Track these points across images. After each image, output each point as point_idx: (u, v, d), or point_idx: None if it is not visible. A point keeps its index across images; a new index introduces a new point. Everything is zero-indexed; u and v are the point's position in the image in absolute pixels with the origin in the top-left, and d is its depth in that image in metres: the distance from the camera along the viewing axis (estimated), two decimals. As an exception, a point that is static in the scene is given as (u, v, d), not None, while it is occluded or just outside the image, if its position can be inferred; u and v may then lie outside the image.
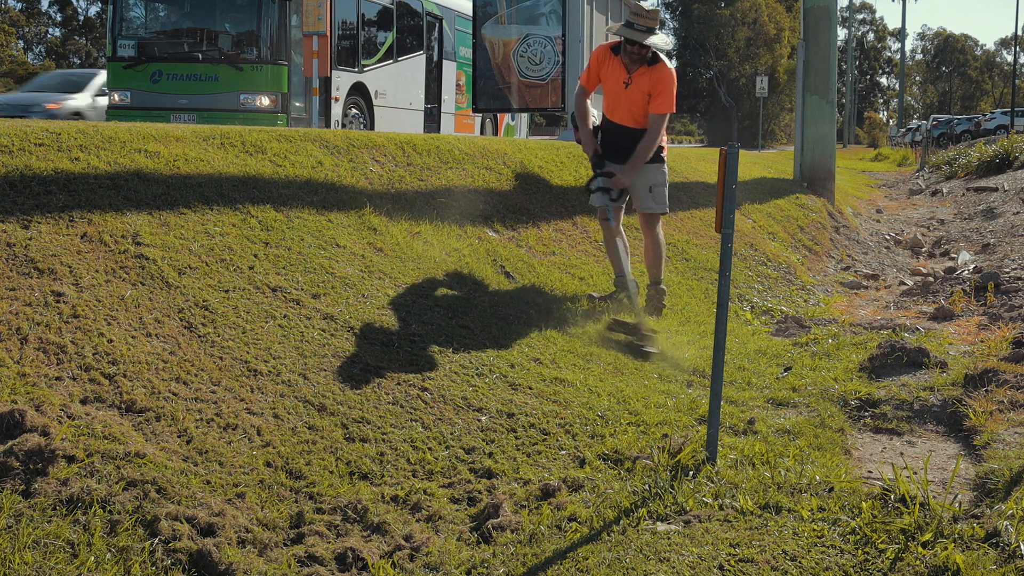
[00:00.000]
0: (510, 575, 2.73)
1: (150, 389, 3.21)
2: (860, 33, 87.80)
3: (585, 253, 6.55)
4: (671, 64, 5.73)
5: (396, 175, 6.09)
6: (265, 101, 11.92)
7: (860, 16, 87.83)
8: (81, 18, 58.55)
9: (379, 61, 13.96)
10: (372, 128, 13.55)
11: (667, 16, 66.29)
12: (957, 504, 3.04)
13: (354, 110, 13.18)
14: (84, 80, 14.84)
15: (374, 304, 4.40)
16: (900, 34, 69.10)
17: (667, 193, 5.85)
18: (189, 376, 3.36)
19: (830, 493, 3.19)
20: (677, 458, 3.41)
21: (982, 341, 5.52)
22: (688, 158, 12.87)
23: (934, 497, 3.10)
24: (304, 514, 2.90)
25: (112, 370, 3.22)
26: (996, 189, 15.32)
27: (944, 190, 18.28)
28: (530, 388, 4.07)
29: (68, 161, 4.31)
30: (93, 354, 3.25)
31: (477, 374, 4.07)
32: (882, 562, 2.72)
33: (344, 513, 2.95)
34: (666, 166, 5.83)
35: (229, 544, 2.64)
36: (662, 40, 5.58)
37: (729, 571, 2.71)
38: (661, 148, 5.76)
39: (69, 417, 2.91)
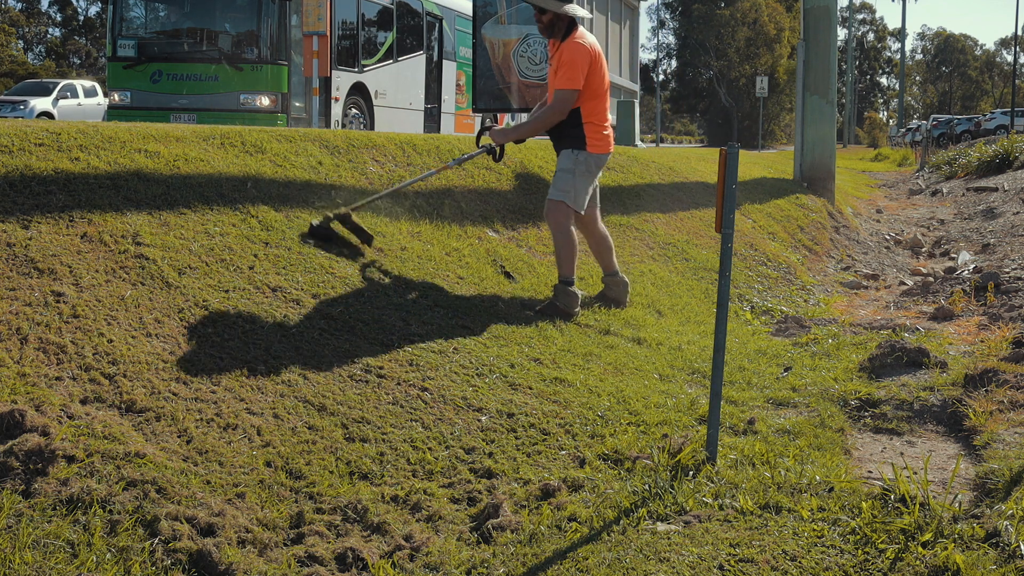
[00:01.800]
0: (510, 575, 2.73)
1: (150, 389, 3.21)
2: (860, 33, 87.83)
3: (585, 253, 6.55)
4: (589, 38, 5.15)
5: (396, 175, 6.09)
6: (265, 101, 11.93)
7: (860, 16, 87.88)
8: (81, 18, 58.55)
9: (379, 61, 13.97)
10: (372, 128, 13.55)
11: (667, 16, 66.33)
12: (957, 504, 3.04)
13: (354, 110, 13.18)
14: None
15: (374, 304, 4.40)
16: (900, 34, 69.11)
17: (577, 186, 5.18)
18: (189, 376, 3.36)
19: (830, 493, 3.19)
20: (677, 458, 3.41)
21: (982, 341, 5.52)
22: (688, 158, 12.88)
23: (934, 497, 3.10)
24: (304, 514, 2.90)
25: (112, 370, 3.22)
26: (996, 189, 15.33)
27: (944, 190, 18.28)
28: (530, 388, 4.07)
29: (68, 161, 4.31)
30: (93, 354, 3.25)
31: (477, 374, 4.07)
32: (882, 562, 2.73)
33: (344, 513, 2.95)
34: (583, 155, 5.17)
35: (229, 544, 2.64)
36: (553, 4, 5.00)
37: (729, 571, 2.71)
38: (583, 137, 5.16)
39: (69, 417, 2.91)
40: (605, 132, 5.27)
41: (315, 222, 4.78)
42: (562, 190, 5.17)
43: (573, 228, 5.24)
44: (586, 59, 5.06)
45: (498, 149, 5.47)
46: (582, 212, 5.28)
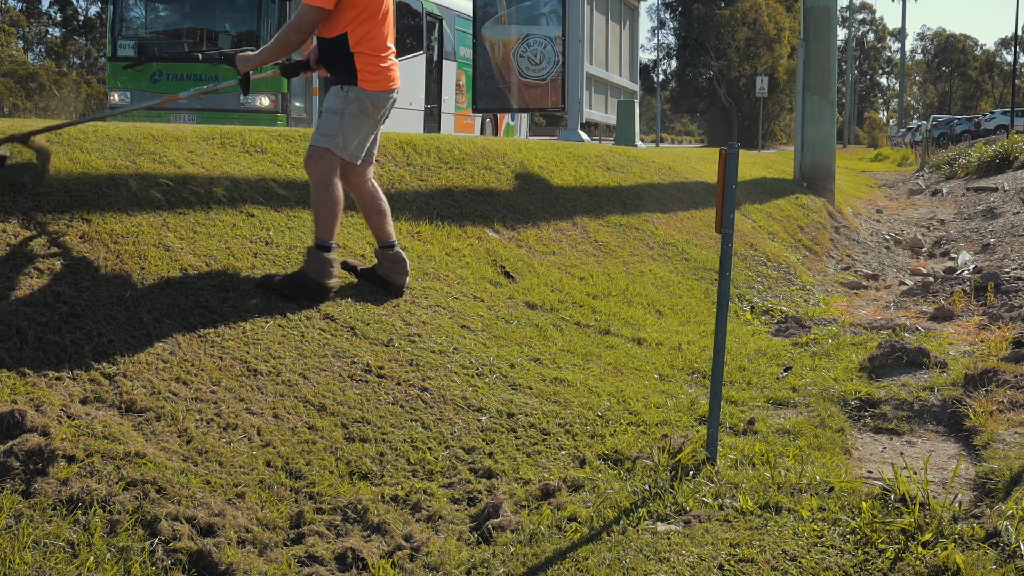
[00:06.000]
0: (510, 575, 2.73)
1: (150, 389, 3.21)
2: (860, 33, 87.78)
3: (585, 253, 6.55)
4: None
5: (396, 175, 6.09)
6: (265, 101, 11.92)
7: (860, 16, 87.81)
8: (81, 18, 58.54)
9: (379, 61, 13.94)
10: (372, 128, 13.52)
11: (667, 16, 66.32)
12: (957, 504, 3.05)
13: (354, 110, 13.18)
14: None
15: (374, 304, 4.40)
16: (900, 34, 69.09)
17: (346, 130, 4.28)
18: (189, 376, 3.36)
19: (830, 493, 3.19)
20: (677, 458, 3.41)
21: (982, 341, 5.52)
22: (688, 158, 12.88)
23: (934, 497, 3.10)
24: (304, 514, 2.90)
25: (112, 370, 3.22)
26: (996, 189, 15.33)
27: (944, 190, 18.28)
28: (530, 388, 4.07)
29: (68, 161, 4.31)
30: (93, 354, 3.25)
31: (477, 374, 4.07)
32: (882, 562, 2.73)
33: (344, 513, 2.95)
34: (354, 92, 4.29)
35: (229, 544, 2.64)
36: None
37: (729, 571, 2.71)
38: (353, 69, 4.30)
39: (69, 417, 2.91)
40: (384, 64, 4.37)
41: None
42: (326, 135, 4.28)
43: (338, 181, 4.37)
44: None
45: (243, 77, 4.52)
46: (356, 162, 4.43)
